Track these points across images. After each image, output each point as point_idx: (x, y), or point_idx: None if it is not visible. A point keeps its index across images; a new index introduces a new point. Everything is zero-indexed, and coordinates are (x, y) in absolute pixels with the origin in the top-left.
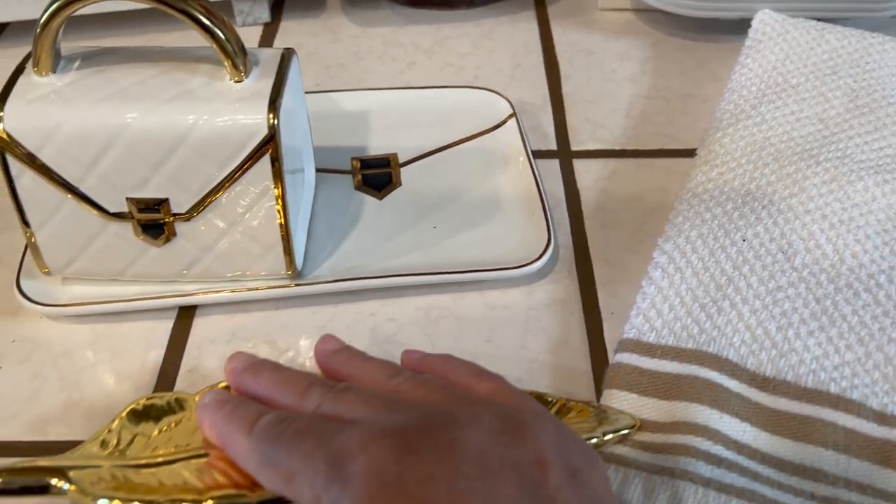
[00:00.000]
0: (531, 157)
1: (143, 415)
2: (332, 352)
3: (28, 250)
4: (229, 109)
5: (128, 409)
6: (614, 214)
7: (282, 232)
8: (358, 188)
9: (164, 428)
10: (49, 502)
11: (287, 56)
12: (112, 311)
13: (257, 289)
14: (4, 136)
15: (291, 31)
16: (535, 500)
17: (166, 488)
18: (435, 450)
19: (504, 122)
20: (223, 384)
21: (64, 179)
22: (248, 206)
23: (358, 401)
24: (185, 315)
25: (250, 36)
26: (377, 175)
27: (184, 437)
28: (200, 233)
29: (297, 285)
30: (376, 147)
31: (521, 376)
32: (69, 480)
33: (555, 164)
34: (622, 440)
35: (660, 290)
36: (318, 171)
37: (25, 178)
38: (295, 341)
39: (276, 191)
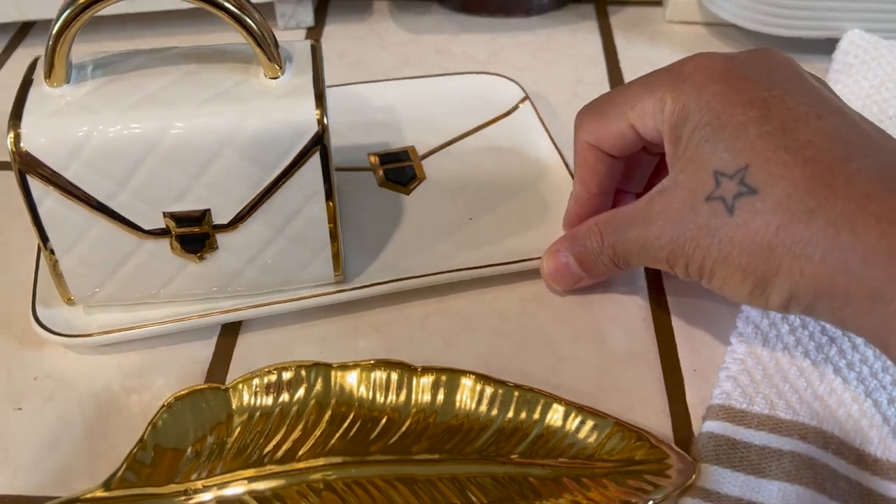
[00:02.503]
0: (553, 138)
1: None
2: None
3: (38, 278)
4: (274, 108)
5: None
6: None
7: (331, 233)
8: (382, 185)
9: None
10: None
11: (317, 48)
12: (145, 337)
13: (305, 297)
14: (25, 156)
15: (336, 36)
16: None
17: None
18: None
19: (516, 106)
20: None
21: (93, 198)
22: (296, 209)
23: None
24: (228, 333)
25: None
26: (400, 169)
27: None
28: (245, 243)
29: (350, 289)
30: (390, 141)
31: None
32: None
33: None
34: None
35: (751, 350)
36: (336, 169)
37: (50, 201)
38: (353, 344)
39: (325, 190)
